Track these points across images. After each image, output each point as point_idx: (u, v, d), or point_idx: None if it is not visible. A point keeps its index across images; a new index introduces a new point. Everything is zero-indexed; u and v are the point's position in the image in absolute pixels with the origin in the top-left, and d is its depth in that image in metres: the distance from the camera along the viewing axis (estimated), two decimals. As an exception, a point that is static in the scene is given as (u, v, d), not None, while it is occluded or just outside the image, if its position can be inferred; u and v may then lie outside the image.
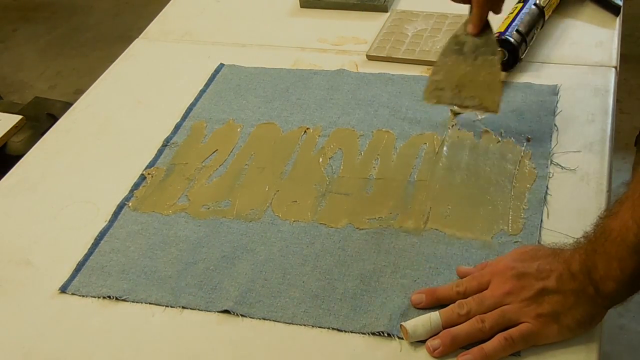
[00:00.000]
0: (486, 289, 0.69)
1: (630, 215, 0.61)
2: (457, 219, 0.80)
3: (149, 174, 0.91)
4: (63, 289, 0.77)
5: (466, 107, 0.85)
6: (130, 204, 0.87)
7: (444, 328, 0.67)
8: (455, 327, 0.67)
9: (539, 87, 0.97)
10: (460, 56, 0.86)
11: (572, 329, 0.65)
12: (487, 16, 0.85)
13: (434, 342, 0.66)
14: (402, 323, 0.68)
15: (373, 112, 0.97)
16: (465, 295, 0.69)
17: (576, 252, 0.66)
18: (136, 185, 0.89)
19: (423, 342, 0.68)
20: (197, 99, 1.03)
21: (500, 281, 0.68)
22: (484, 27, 0.85)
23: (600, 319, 0.66)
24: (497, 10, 0.85)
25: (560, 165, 0.85)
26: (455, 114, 0.90)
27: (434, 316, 0.68)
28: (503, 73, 0.84)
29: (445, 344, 0.66)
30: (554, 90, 0.96)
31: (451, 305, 0.69)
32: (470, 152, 0.88)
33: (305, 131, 0.95)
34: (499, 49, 0.83)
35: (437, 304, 0.70)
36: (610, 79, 0.99)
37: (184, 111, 1.01)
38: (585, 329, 0.66)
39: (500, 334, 0.65)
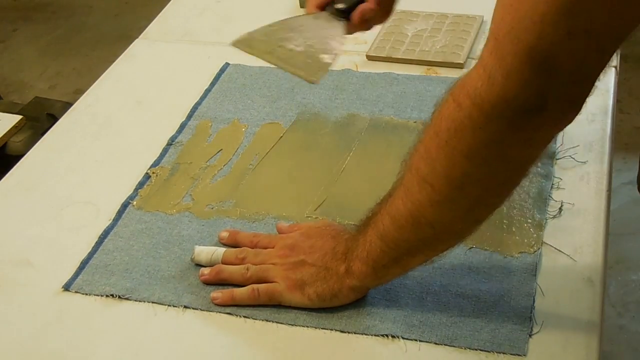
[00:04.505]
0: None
1: (385, 206, 0.65)
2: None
3: (153, 172, 0.91)
4: (66, 287, 0.77)
5: (282, 66, 0.75)
6: (135, 202, 0.87)
7: (223, 263, 0.76)
8: (226, 266, 0.75)
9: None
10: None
11: (313, 300, 0.71)
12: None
13: (204, 270, 0.76)
14: (196, 245, 0.78)
15: (378, 112, 0.97)
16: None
17: (349, 233, 0.71)
18: (140, 184, 0.89)
19: (428, 342, 0.68)
20: (202, 98, 1.03)
21: (279, 246, 0.75)
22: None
23: (344, 299, 0.71)
24: None
25: (562, 165, 0.86)
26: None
27: (219, 251, 0.77)
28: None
29: (211, 274, 0.75)
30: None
31: (236, 249, 0.77)
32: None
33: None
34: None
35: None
36: (610, 78, 0.99)
37: (185, 111, 1.01)
38: (326, 302, 0.71)
39: (252, 284, 0.73)
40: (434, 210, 0.61)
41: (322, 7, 0.78)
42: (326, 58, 0.74)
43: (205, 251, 0.78)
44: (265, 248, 0.76)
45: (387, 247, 0.65)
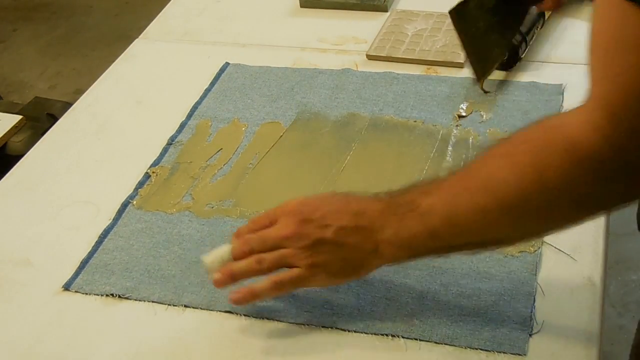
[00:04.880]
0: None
1: (441, 203, 0.63)
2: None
3: (153, 172, 0.91)
4: (67, 287, 0.77)
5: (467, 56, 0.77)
6: (135, 202, 0.87)
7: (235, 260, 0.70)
8: (236, 263, 0.70)
9: (543, 87, 0.97)
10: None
11: (338, 277, 0.68)
12: None
13: (216, 276, 0.70)
14: (203, 257, 0.71)
15: (378, 111, 0.97)
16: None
17: (374, 206, 0.67)
18: (140, 184, 0.89)
19: (428, 342, 0.68)
20: (202, 98, 1.03)
21: (284, 223, 0.68)
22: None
23: (367, 272, 0.69)
24: None
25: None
26: (460, 116, 0.91)
27: (227, 249, 0.71)
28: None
29: (225, 278, 0.70)
30: (559, 90, 0.97)
31: (240, 242, 0.71)
32: (474, 151, 0.89)
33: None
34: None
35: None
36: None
37: (185, 110, 1.01)
38: (350, 278, 0.69)
39: (271, 277, 0.68)
40: (499, 236, 0.63)
41: None
42: (498, 59, 0.77)
43: (218, 258, 0.72)
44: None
45: (433, 245, 0.64)
